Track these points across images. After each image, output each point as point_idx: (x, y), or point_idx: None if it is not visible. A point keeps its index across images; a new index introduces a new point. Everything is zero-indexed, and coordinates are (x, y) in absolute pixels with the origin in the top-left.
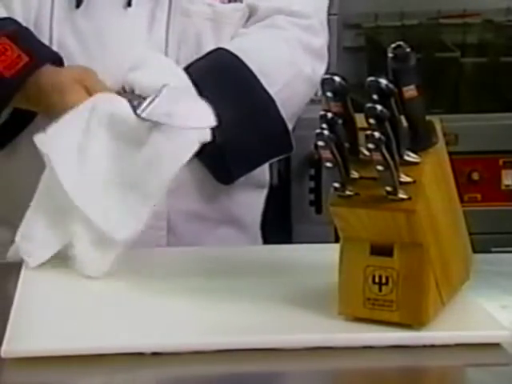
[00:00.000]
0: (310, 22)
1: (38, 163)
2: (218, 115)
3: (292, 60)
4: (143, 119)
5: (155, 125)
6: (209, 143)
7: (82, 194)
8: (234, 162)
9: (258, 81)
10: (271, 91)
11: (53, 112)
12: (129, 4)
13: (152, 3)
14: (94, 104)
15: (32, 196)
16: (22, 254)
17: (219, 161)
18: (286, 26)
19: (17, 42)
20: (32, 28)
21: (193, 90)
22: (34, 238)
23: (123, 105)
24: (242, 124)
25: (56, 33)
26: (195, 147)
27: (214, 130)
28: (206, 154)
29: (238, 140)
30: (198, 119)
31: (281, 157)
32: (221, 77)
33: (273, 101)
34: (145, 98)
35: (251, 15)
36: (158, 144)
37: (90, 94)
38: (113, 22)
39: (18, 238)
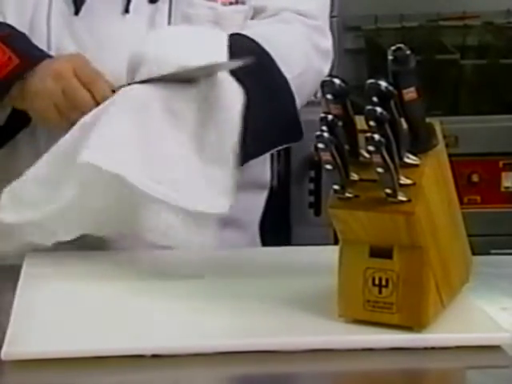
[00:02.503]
0: (318, 23)
1: (37, 159)
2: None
3: (305, 51)
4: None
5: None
6: None
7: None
8: (247, 138)
9: (275, 64)
10: (288, 76)
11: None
12: (126, 11)
13: (151, 9)
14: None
15: None
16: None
17: None
18: (296, 22)
19: (8, 44)
20: (27, 33)
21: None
22: (23, 199)
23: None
24: (258, 102)
25: (54, 38)
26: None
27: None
28: None
29: (252, 117)
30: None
31: (290, 144)
32: (239, 56)
33: (288, 85)
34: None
35: (257, 14)
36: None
37: (82, 82)
38: (111, 29)
39: (4, 194)
